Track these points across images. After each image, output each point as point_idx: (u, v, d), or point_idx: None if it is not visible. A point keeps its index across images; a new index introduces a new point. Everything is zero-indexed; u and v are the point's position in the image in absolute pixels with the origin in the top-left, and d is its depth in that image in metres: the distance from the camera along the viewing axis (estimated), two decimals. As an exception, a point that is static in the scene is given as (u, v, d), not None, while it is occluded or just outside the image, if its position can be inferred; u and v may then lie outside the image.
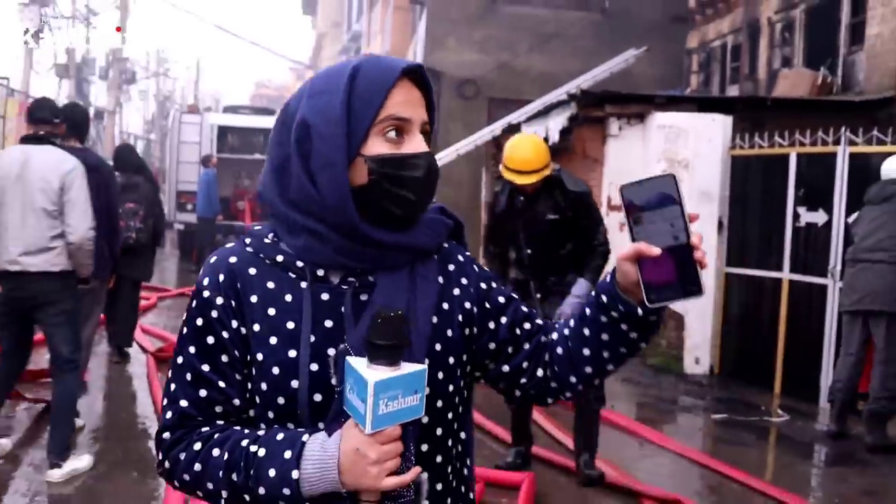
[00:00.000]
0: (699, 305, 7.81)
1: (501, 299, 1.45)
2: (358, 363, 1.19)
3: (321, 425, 1.26)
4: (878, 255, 5.97)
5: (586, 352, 1.40)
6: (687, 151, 8.37)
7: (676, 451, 5.91)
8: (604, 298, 1.36)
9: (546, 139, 10.23)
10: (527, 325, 1.45)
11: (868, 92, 9.41)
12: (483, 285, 1.44)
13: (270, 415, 1.30)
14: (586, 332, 1.39)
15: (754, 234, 7.98)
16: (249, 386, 1.32)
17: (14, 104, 12.57)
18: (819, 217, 7.28)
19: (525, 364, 1.43)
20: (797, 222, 7.48)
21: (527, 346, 1.44)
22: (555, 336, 1.45)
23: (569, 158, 9.36)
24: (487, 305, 1.43)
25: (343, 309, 1.31)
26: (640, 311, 1.32)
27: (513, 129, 12.38)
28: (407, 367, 1.19)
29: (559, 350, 1.43)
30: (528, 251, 4.99)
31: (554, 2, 16.90)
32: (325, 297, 1.32)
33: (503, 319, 1.43)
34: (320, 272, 1.33)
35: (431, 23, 16.55)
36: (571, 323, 1.43)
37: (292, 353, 1.29)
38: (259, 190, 1.40)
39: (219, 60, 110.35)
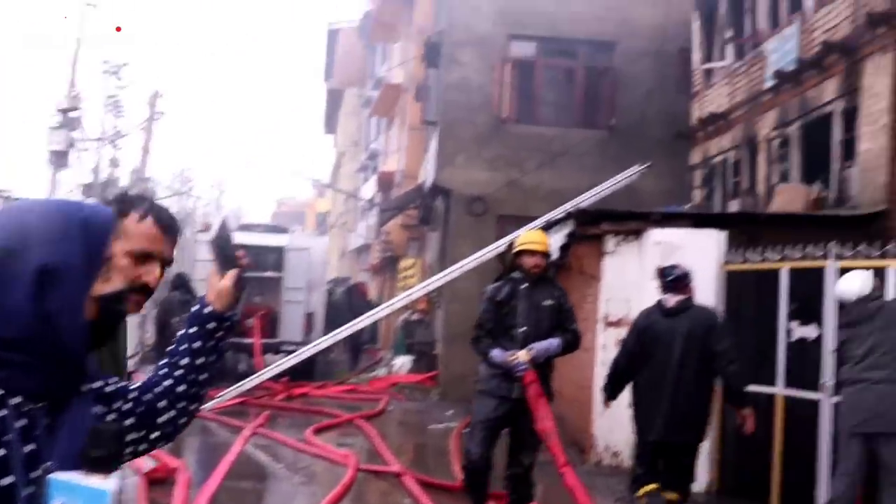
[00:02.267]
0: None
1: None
2: (70, 478, 1.29)
3: None
4: (876, 373, 5.92)
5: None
6: (682, 267, 8.47)
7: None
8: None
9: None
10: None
11: (861, 206, 9.56)
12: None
13: None
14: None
15: (749, 349, 7.99)
16: None
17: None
18: (811, 331, 7.32)
19: None
20: (790, 337, 7.52)
21: None
22: None
23: (567, 275, 9.51)
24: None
25: (37, 431, 1.43)
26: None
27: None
28: (103, 481, 1.29)
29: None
30: (523, 329, 6.02)
31: (561, 120, 17.38)
32: (23, 422, 1.41)
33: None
34: (17, 399, 1.42)
35: (442, 142, 17.01)
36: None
37: (6, 481, 1.37)
38: None
39: (242, 178, 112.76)
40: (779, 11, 12.12)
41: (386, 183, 27.35)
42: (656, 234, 8.76)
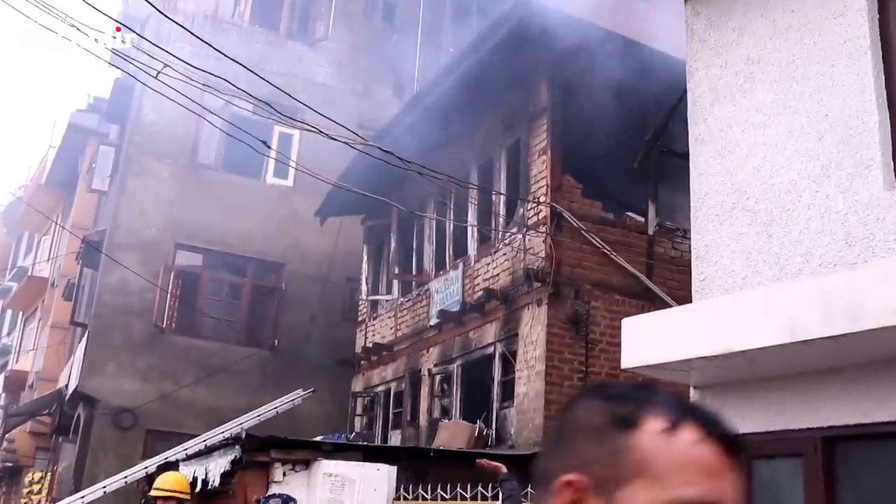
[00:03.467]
0: None
1: None
2: None
3: None
4: None
5: None
6: (352, 501, 8.27)
7: None
8: None
9: (206, 482, 9.70)
10: None
11: (519, 445, 10.07)
12: None
13: None
14: None
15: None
16: None
17: None
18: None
19: None
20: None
21: None
22: None
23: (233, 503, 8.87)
24: None
25: None
26: None
27: (170, 465, 11.65)
28: None
29: None
30: None
31: (223, 336, 16.92)
32: None
33: None
34: None
35: (91, 346, 15.78)
36: None
37: None
38: None
39: None
40: (445, 255, 12.98)
41: (16, 383, 24.73)
42: (327, 466, 8.52)
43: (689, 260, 11.27)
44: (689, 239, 11.45)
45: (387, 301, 14.72)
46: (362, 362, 15.11)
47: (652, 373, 6.12)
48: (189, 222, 16.70)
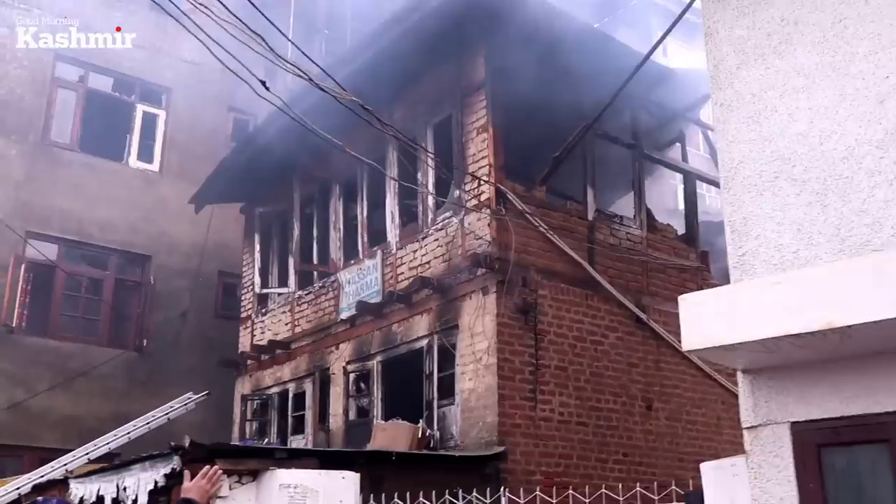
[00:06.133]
0: None
1: None
2: None
3: None
4: None
5: None
6: (315, 515, 7.21)
7: None
8: None
9: (118, 501, 8.33)
10: None
11: (467, 445, 9.28)
12: None
13: None
14: None
15: None
16: None
17: None
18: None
19: None
20: None
21: None
22: None
23: (163, 525, 7.57)
24: None
25: None
26: None
27: (52, 484, 10.06)
28: None
29: None
30: None
31: (82, 335, 15.10)
32: None
33: None
34: None
35: (-78, 350, 13.64)
36: None
37: None
38: None
39: None
40: (358, 243, 11.98)
41: None
42: (283, 476, 7.39)
43: (627, 247, 10.94)
44: (626, 226, 11.12)
45: (279, 295, 13.51)
46: (249, 362, 13.82)
47: (721, 355, 5.52)
48: (42, 207, 14.78)
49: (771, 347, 5.40)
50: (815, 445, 5.09)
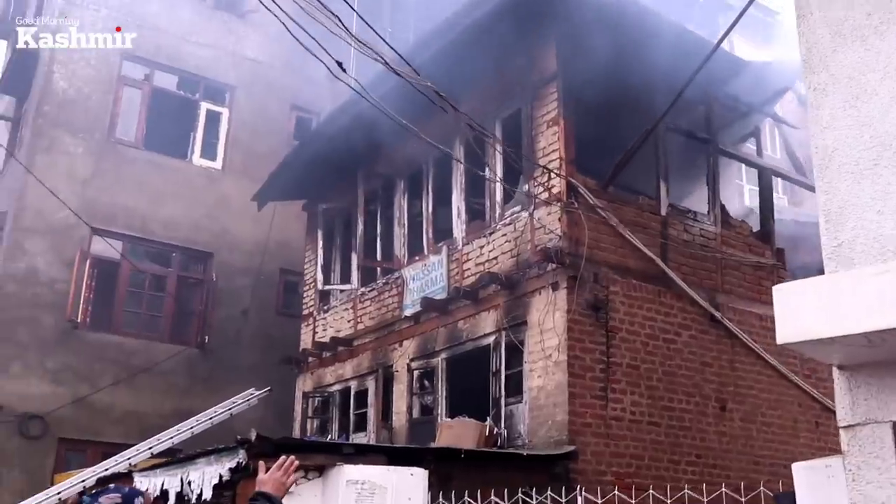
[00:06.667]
0: None
1: None
2: None
3: None
4: None
5: None
6: (384, 512, 7.04)
7: None
8: None
9: (181, 495, 8.25)
10: None
11: (535, 444, 9.04)
12: None
13: None
14: None
15: None
16: None
17: None
18: None
19: None
20: None
21: None
22: None
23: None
24: None
25: None
26: None
27: (116, 477, 10.04)
28: None
29: None
30: None
31: (145, 331, 15.17)
32: None
33: None
34: None
35: (-9, 345, 13.79)
36: None
37: None
38: None
39: None
40: (423, 239, 11.80)
41: None
42: (350, 472, 7.23)
43: (701, 244, 10.59)
44: (700, 222, 10.78)
45: (341, 292, 13.39)
46: (311, 359, 13.73)
47: (817, 349, 5.21)
48: (107, 205, 14.89)
49: (875, 341, 5.07)
50: (919, 447, 4.74)
